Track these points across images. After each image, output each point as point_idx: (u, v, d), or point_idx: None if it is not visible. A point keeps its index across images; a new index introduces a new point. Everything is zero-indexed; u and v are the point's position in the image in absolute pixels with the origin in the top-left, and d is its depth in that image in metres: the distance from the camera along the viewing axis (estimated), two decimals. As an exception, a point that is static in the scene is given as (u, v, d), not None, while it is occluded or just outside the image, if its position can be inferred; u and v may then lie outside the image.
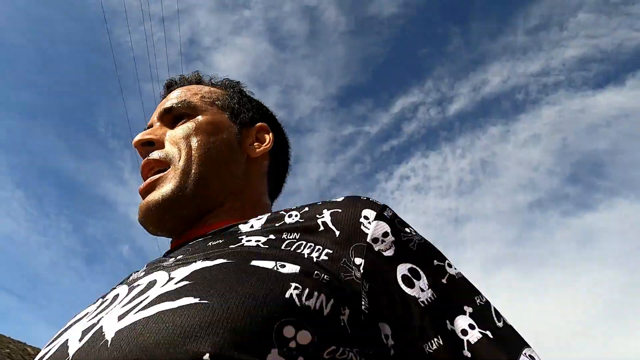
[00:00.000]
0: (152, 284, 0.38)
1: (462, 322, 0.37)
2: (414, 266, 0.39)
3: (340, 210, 0.43)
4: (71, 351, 0.34)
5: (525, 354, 0.36)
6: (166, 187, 0.51)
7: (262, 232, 0.43)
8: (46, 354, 0.38)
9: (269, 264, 0.35)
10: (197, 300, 0.31)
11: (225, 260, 0.37)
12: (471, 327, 0.37)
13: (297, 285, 0.33)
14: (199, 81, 0.65)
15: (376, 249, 0.39)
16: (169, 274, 0.38)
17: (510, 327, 0.39)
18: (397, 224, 0.42)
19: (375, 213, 0.42)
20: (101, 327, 0.34)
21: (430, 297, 0.37)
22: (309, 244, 0.39)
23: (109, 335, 0.32)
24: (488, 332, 0.36)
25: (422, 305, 0.37)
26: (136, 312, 0.33)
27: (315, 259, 0.37)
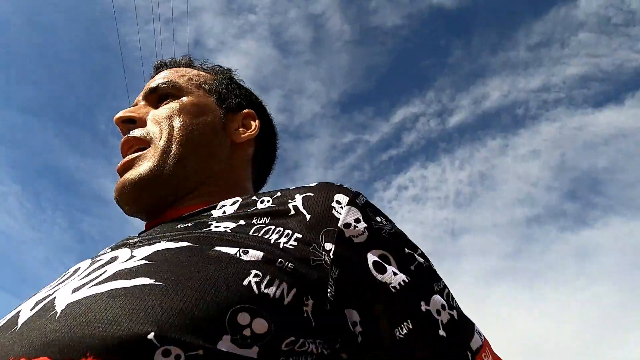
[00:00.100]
0: (113, 259, 0.38)
1: (437, 302, 0.38)
2: (385, 253, 0.39)
3: (312, 194, 0.42)
4: (21, 320, 0.33)
5: (477, 330, 0.40)
6: (144, 166, 0.50)
7: (233, 217, 0.42)
8: None
9: (231, 250, 0.35)
10: (151, 281, 0.31)
11: (188, 244, 0.36)
12: (443, 307, 0.38)
13: (257, 272, 0.32)
14: (189, 65, 0.64)
15: (347, 234, 0.39)
16: (131, 252, 0.38)
17: (461, 309, 0.41)
18: (369, 212, 0.42)
19: (347, 199, 0.41)
20: (54, 298, 0.34)
21: (401, 282, 0.37)
22: (277, 229, 0.39)
23: (59, 307, 0.31)
24: (455, 312, 0.39)
25: (393, 290, 0.36)
26: (90, 287, 0.32)
27: (282, 245, 0.36)
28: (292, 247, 0.36)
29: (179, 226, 0.43)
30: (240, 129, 0.59)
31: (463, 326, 0.39)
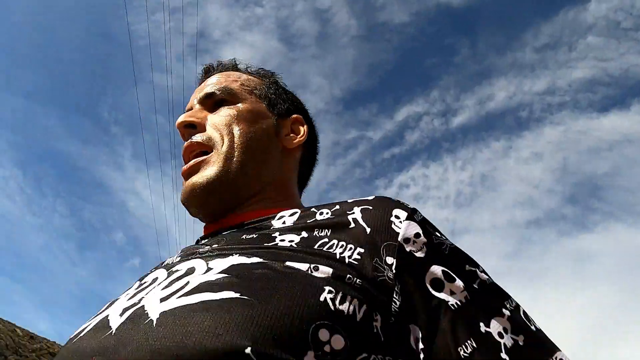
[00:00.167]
0: (190, 270, 0.39)
1: (497, 324, 0.37)
2: (446, 269, 0.39)
3: (370, 208, 0.43)
4: (113, 324, 0.35)
5: (556, 357, 0.37)
6: (210, 170, 0.52)
7: (294, 229, 0.44)
8: (85, 328, 0.39)
9: (303, 266, 0.36)
10: (237, 295, 0.32)
11: (261, 260, 0.37)
12: (505, 330, 0.37)
13: (330, 289, 0.34)
14: (235, 67, 0.66)
15: (407, 249, 0.39)
16: (207, 264, 0.39)
17: (541, 330, 0.39)
18: (427, 227, 0.42)
19: (406, 214, 0.42)
20: (143, 306, 0.35)
21: (461, 300, 0.37)
22: (340, 242, 0.40)
23: (153, 315, 0.33)
24: (522, 336, 0.37)
25: (453, 308, 0.36)
26: (179, 297, 0.34)
27: (347, 260, 0.37)
28: (357, 261, 0.37)
29: (244, 237, 0.45)
30: (290, 135, 0.61)
31: (531, 353, 0.36)
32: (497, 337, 0.36)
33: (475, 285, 0.39)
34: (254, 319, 0.30)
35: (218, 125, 0.55)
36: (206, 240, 0.50)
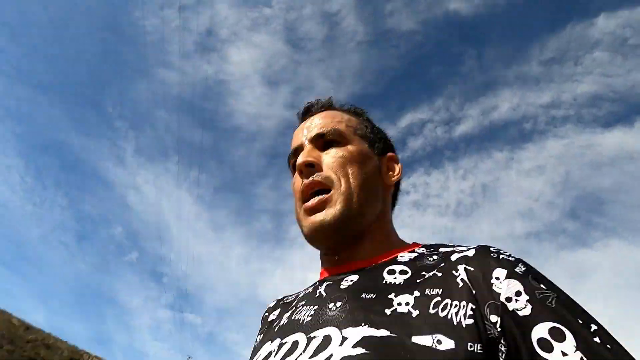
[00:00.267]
0: (328, 340, 0.45)
1: None
2: (556, 325, 0.39)
3: (472, 269, 0.46)
4: None
5: None
6: (335, 209, 0.58)
7: (407, 288, 0.48)
8: None
9: (427, 341, 0.40)
10: None
11: (389, 333, 0.42)
12: None
13: None
14: (331, 105, 0.72)
15: (510, 307, 0.41)
16: (341, 332, 0.45)
17: None
18: (530, 280, 0.43)
19: (506, 272, 0.44)
20: None
21: None
22: (453, 302, 0.43)
23: None
24: None
25: None
26: None
27: (464, 324, 0.41)
28: (471, 323, 0.41)
29: (363, 296, 0.50)
30: (389, 173, 0.68)
31: None
32: None
33: (588, 345, 0.37)
34: None
35: (334, 166, 0.61)
36: (328, 287, 0.57)
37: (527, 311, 0.40)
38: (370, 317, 0.45)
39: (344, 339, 0.43)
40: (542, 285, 0.43)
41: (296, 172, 0.65)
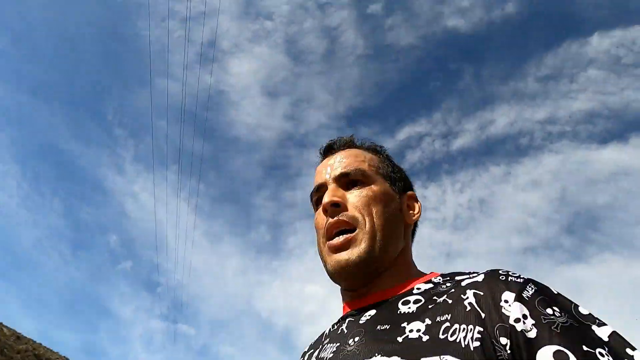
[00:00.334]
0: None
1: None
2: (561, 349, 0.40)
3: (482, 294, 0.48)
4: None
5: None
6: (360, 248, 0.61)
7: (418, 315, 0.51)
8: None
9: None
10: None
11: (399, 359, 0.45)
12: None
13: None
14: (352, 143, 0.75)
15: (519, 329, 0.43)
16: None
17: None
18: (537, 304, 0.45)
19: (514, 295, 0.46)
20: None
21: None
22: (461, 327, 0.45)
23: None
24: None
25: None
26: None
27: (471, 346, 0.43)
28: (478, 346, 0.43)
29: (378, 328, 0.53)
30: (410, 212, 0.70)
31: None
32: None
33: None
34: None
35: (359, 205, 0.64)
36: (349, 323, 0.60)
37: (532, 334, 0.42)
38: (383, 347, 0.48)
39: None
40: (548, 310, 0.44)
41: (320, 209, 0.67)
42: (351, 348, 0.53)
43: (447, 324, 0.47)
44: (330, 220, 0.64)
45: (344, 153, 0.72)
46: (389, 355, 0.46)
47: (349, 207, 0.64)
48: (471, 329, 0.44)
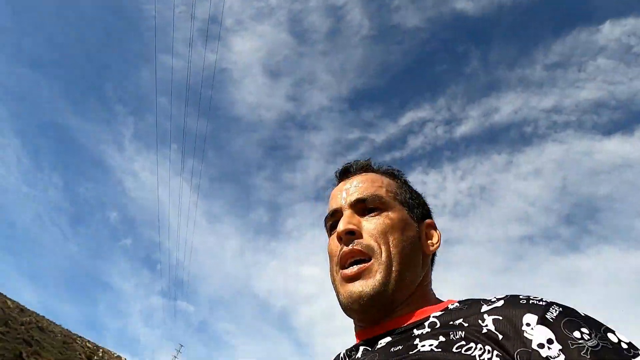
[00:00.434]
0: None
1: None
2: None
3: (500, 318, 0.45)
4: None
5: None
6: (375, 280, 0.57)
7: (432, 335, 0.49)
8: None
9: None
10: None
11: None
12: None
13: None
14: (369, 167, 0.72)
15: (544, 354, 0.39)
16: None
17: None
18: (563, 328, 0.41)
19: (537, 317, 0.43)
20: None
21: None
22: (478, 346, 0.43)
23: None
24: None
25: None
26: None
27: None
28: None
29: (391, 350, 0.51)
30: (428, 242, 0.66)
31: None
32: None
33: None
34: None
35: (375, 233, 0.60)
36: (363, 352, 0.57)
37: None
38: None
39: None
40: (576, 333, 0.40)
41: (334, 235, 0.64)
42: None
43: (463, 342, 0.44)
44: (345, 248, 0.61)
45: (360, 177, 0.68)
46: None
47: (365, 235, 0.61)
48: (489, 350, 0.42)
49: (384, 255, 0.59)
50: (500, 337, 0.43)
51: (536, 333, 0.41)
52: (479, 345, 0.43)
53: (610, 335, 0.41)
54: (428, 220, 0.69)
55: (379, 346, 0.55)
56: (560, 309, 0.44)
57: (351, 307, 0.58)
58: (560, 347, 0.39)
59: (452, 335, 0.46)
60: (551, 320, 0.42)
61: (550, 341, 0.40)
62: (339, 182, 0.71)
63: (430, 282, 0.66)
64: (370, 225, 0.62)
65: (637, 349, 0.40)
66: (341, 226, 0.62)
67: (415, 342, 0.49)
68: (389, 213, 0.63)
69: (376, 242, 0.60)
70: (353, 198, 0.65)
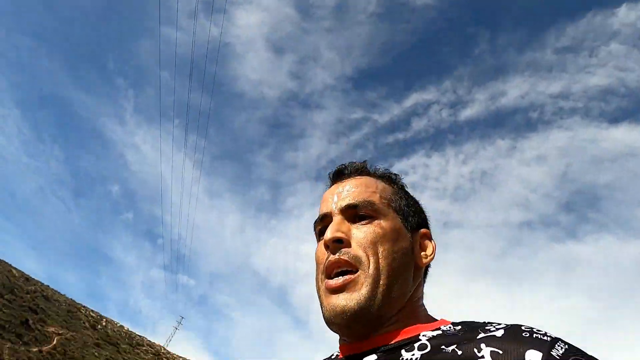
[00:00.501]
0: None
1: None
2: None
3: (500, 352, 0.41)
4: None
5: None
6: (359, 294, 0.54)
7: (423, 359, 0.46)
8: None
9: None
10: None
11: None
12: None
13: None
14: (365, 170, 0.68)
15: None
16: None
17: None
18: None
19: (541, 354, 0.39)
20: None
21: None
22: None
23: None
24: None
25: None
26: None
27: None
28: None
29: None
30: (422, 253, 0.62)
31: None
32: None
33: None
34: None
35: (364, 243, 0.57)
36: None
37: None
38: None
39: None
40: None
41: (322, 241, 0.60)
42: None
43: None
44: (331, 257, 0.57)
45: (354, 181, 0.64)
46: None
47: (353, 244, 0.57)
48: None
49: (371, 267, 0.55)
50: None
51: None
52: None
53: None
54: (423, 230, 0.65)
55: None
56: (567, 346, 0.41)
57: (334, 321, 0.55)
58: None
59: None
60: (557, 357, 0.39)
61: None
62: (332, 184, 0.67)
63: (421, 297, 0.62)
64: (360, 233, 0.58)
65: None
66: (329, 234, 0.58)
67: None
68: (381, 222, 0.59)
69: (365, 252, 0.56)
70: (344, 203, 0.61)
